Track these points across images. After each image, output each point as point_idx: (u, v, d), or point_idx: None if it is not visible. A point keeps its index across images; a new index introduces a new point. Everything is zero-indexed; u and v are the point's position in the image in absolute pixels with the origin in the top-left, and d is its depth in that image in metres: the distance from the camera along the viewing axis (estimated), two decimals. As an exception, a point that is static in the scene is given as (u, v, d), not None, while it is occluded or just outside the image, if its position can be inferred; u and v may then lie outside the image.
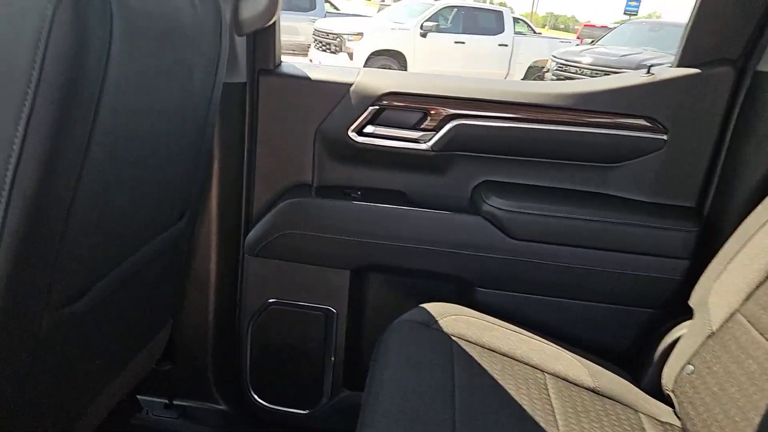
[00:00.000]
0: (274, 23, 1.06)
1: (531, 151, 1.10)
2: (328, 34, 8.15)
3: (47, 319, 0.61)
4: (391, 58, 8.09)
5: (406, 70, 8.12)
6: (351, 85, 1.10)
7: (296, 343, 1.22)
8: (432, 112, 1.09)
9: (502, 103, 1.08)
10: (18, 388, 0.62)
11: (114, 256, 0.73)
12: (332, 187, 1.17)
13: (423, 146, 1.10)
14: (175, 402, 1.26)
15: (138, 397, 1.24)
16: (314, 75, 1.12)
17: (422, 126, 1.10)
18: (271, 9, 0.99)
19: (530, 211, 1.06)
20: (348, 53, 7.94)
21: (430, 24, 8.28)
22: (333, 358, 1.21)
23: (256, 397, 1.25)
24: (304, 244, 1.13)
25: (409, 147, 1.10)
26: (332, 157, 1.15)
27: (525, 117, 1.07)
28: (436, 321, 0.96)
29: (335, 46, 8.04)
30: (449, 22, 8.64)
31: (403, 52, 8.12)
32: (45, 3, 0.48)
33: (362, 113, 1.09)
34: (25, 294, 0.56)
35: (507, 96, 1.08)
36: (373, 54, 7.96)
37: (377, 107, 1.09)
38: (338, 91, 1.10)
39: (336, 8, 11.88)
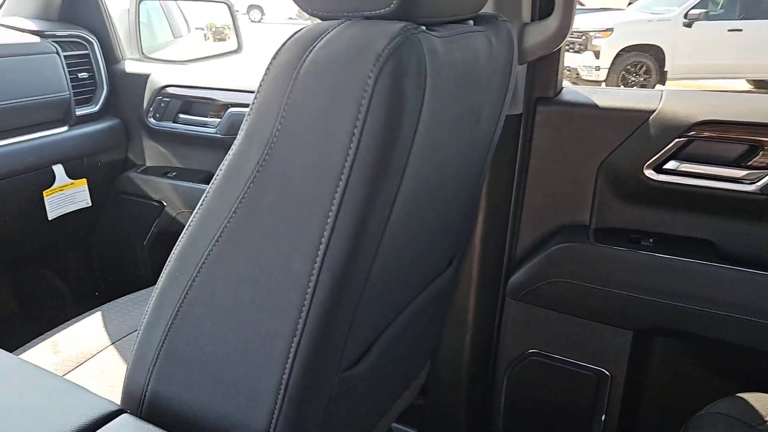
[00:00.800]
0: (560, 47, 0.95)
1: None
2: (572, 32, 7.69)
3: (337, 383, 0.60)
4: (645, 54, 7.27)
5: (663, 65, 7.25)
6: (651, 112, 0.91)
7: (558, 402, 1.08)
8: (767, 145, 0.84)
9: None
10: None
11: (390, 314, 0.70)
12: (616, 230, 1.00)
13: (749, 188, 0.86)
14: None
15: (393, 425, 1.25)
16: (602, 102, 0.96)
17: (749, 162, 0.86)
18: (561, 33, 0.87)
19: None
20: (594, 51, 7.37)
21: (697, 11, 7.19)
22: (602, 428, 1.05)
23: None
24: (577, 294, 0.99)
25: (728, 188, 0.88)
26: (618, 196, 0.99)
27: None
28: (764, 420, 0.74)
29: (579, 44, 7.53)
30: (721, 6, 7.39)
31: (661, 46, 7.22)
32: (368, 69, 0.44)
33: (665, 146, 0.90)
34: (323, 362, 0.55)
35: None
36: (623, 50, 7.26)
37: (685, 139, 0.89)
38: (632, 119, 0.93)
39: (581, 4, 11.17)
